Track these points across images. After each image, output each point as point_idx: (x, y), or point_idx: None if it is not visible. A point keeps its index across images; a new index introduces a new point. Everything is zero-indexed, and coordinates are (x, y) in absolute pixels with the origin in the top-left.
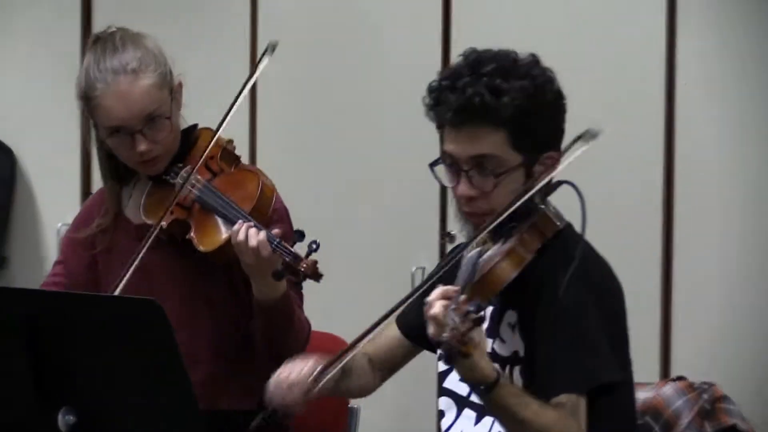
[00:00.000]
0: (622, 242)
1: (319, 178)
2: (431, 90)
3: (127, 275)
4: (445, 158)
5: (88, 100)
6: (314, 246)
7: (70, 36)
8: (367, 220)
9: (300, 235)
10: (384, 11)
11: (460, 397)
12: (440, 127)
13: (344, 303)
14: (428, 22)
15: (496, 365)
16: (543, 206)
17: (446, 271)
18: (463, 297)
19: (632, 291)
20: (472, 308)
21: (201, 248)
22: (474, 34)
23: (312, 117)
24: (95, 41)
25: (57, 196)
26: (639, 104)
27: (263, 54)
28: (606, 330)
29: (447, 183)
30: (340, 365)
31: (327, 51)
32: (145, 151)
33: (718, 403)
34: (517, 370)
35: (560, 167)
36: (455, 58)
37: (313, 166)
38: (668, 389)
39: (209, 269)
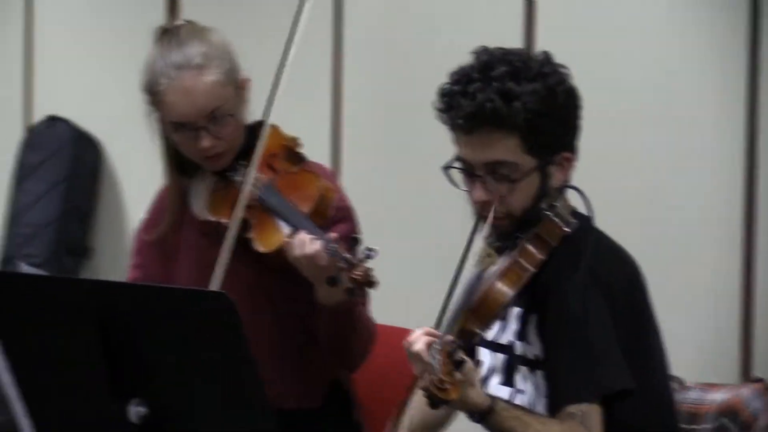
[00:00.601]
0: (702, 242)
1: (403, 181)
2: (442, 94)
3: (217, 274)
4: (459, 163)
5: (152, 94)
6: (370, 253)
7: (152, 19)
8: (447, 220)
9: (356, 242)
10: (468, 10)
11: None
12: (451, 131)
13: (424, 300)
14: (510, 24)
15: (499, 394)
16: (549, 212)
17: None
18: (447, 336)
19: (712, 291)
20: (454, 348)
21: (260, 249)
22: (557, 33)
23: (395, 118)
24: (162, 34)
25: (142, 188)
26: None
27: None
28: (618, 333)
29: (462, 187)
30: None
31: (410, 49)
32: (209, 147)
33: None
34: (539, 374)
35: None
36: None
37: (395, 167)
38: (746, 390)
39: (269, 268)
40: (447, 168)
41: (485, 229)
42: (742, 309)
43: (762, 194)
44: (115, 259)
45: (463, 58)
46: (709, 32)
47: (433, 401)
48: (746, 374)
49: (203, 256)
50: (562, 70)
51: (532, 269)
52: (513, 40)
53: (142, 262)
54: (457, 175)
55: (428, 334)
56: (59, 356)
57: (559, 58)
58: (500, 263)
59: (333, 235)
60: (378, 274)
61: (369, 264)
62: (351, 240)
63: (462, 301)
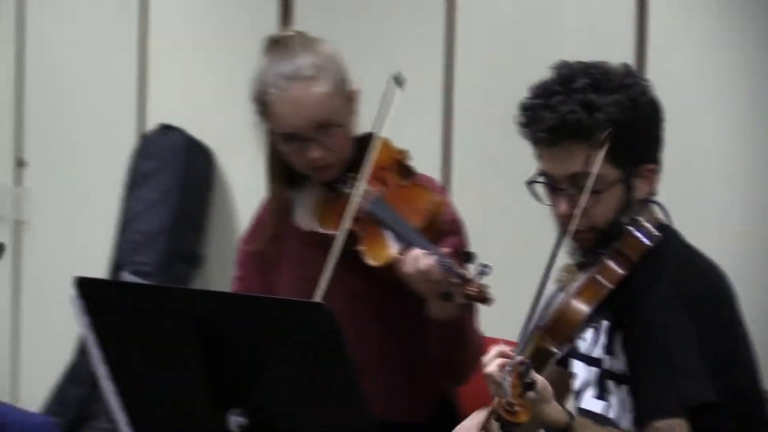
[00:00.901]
0: None
1: (513, 196)
2: (524, 108)
3: (323, 285)
4: (542, 177)
5: (261, 104)
6: (485, 269)
7: (263, 30)
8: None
9: (470, 257)
10: (581, 15)
11: (596, 415)
12: (534, 145)
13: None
14: (621, 32)
15: (593, 408)
16: (630, 227)
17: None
18: (518, 357)
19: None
20: (526, 369)
21: (370, 262)
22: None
23: (506, 132)
24: (272, 44)
25: (253, 197)
26: None
27: (388, 87)
28: (704, 347)
29: (545, 201)
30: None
31: (524, 57)
32: (318, 159)
33: None
34: (625, 389)
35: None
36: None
37: (507, 179)
38: None
39: (378, 281)
40: (531, 183)
41: (568, 243)
42: None
43: None
44: (226, 268)
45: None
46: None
47: (503, 425)
48: None
49: (308, 268)
50: (644, 81)
51: (610, 286)
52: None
53: (244, 274)
54: (541, 190)
55: (501, 354)
56: (160, 366)
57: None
58: (579, 280)
59: (446, 250)
60: (492, 287)
61: (483, 280)
62: (465, 255)
63: (538, 319)
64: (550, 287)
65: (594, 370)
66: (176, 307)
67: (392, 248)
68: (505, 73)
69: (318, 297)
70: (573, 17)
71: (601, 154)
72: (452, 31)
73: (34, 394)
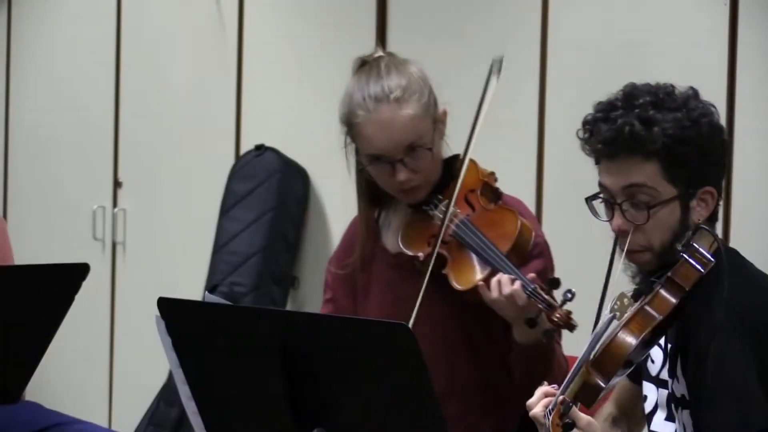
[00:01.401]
0: None
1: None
2: (585, 123)
3: (415, 309)
4: (601, 192)
5: (350, 126)
6: (569, 296)
7: (359, 50)
8: None
9: (556, 283)
10: (668, 31)
11: None
12: (595, 161)
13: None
14: (712, 48)
15: (665, 430)
16: (684, 254)
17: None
18: (560, 397)
19: None
20: (567, 409)
21: (456, 286)
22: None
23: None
24: (361, 65)
25: (348, 218)
26: None
27: (489, 74)
28: (761, 368)
29: (604, 218)
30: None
31: (615, 86)
32: (405, 181)
33: None
34: (686, 413)
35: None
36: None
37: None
38: None
39: (464, 305)
40: (590, 199)
41: (629, 266)
42: None
43: None
44: (319, 290)
45: (666, 78)
46: None
47: None
48: None
49: (395, 290)
50: (709, 106)
51: (659, 317)
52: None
53: (333, 296)
54: (600, 207)
55: (546, 394)
56: (242, 385)
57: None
58: (630, 311)
59: (532, 275)
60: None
61: (568, 306)
62: (551, 281)
63: (585, 352)
64: (605, 316)
65: (664, 392)
66: (258, 326)
67: (478, 272)
68: (596, 98)
69: (411, 321)
70: (662, 47)
71: (657, 169)
72: (545, 57)
73: (129, 414)
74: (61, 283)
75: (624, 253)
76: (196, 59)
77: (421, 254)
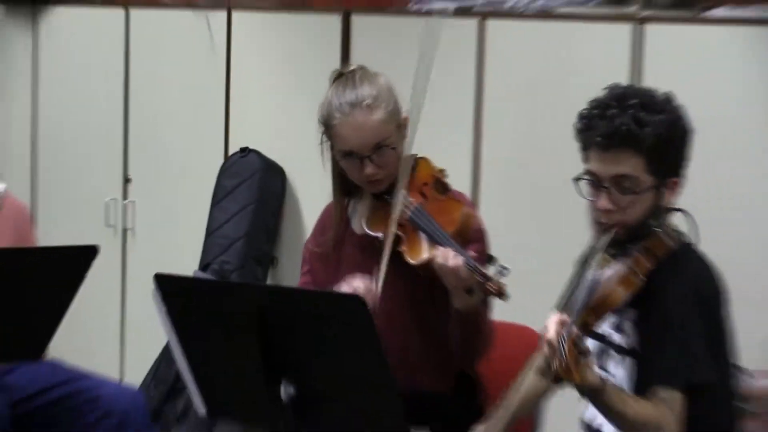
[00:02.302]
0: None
1: (533, 208)
2: (582, 117)
3: (381, 277)
4: (589, 176)
5: (327, 126)
6: (504, 270)
7: (328, 68)
8: (568, 247)
9: (491, 260)
10: (587, 55)
11: None
12: (585, 149)
13: (536, 300)
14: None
15: (603, 373)
16: (659, 229)
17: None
18: (574, 328)
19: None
20: (580, 339)
21: (410, 260)
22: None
23: (532, 149)
24: (338, 76)
25: (318, 208)
26: None
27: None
28: (707, 338)
29: (587, 197)
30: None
31: (546, 89)
32: (371, 174)
33: None
34: (631, 361)
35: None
36: None
37: (528, 197)
38: None
39: (414, 277)
40: (577, 179)
41: (604, 235)
42: None
43: None
44: (295, 268)
45: (588, 95)
46: None
47: (558, 380)
48: None
49: (361, 266)
50: (682, 108)
51: (642, 278)
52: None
53: (310, 269)
54: (584, 187)
55: (560, 322)
56: (224, 346)
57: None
58: (615, 268)
59: (472, 253)
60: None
61: (502, 279)
62: (488, 258)
63: (584, 299)
64: (591, 272)
65: (597, 343)
66: (237, 298)
67: (428, 250)
68: (530, 102)
69: (379, 289)
70: (583, 65)
71: (642, 162)
72: (482, 69)
73: (138, 371)
74: (75, 261)
75: (602, 226)
76: (192, 77)
77: (381, 234)
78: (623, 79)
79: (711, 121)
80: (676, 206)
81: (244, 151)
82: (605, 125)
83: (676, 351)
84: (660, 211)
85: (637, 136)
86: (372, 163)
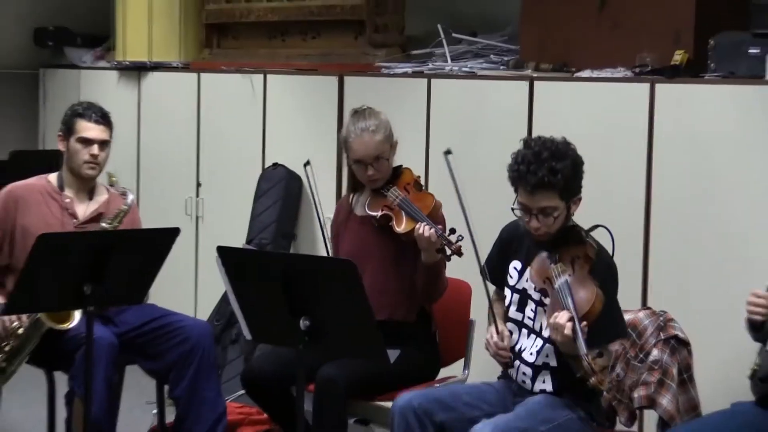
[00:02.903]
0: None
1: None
2: (512, 170)
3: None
4: (521, 206)
5: (345, 142)
6: (461, 237)
7: (329, 112)
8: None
9: (453, 231)
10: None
11: (518, 321)
12: (516, 189)
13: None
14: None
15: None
16: (588, 240)
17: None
18: (584, 323)
19: (623, 255)
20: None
21: (397, 230)
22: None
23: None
24: (355, 112)
25: (325, 203)
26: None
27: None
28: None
29: (521, 219)
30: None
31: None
32: (371, 175)
33: (668, 322)
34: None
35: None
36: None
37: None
38: (641, 314)
39: (399, 243)
40: (513, 209)
41: (533, 240)
42: (643, 260)
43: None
44: (308, 242)
45: (499, 132)
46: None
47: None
48: (644, 304)
49: (359, 238)
50: (574, 147)
51: (589, 275)
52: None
53: (333, 239)
54: (518, 212)
55: (569, 318)
56: (263, 294)
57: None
58: (571, 275)
59: (439, 226)
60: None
61: (460, 243)
62: (450, 230)
63: (570, 299)
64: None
65: (516, 295)
66: (270, 262)
67: (411, 224)
68: (466, 137)
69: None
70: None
71: (557, 195)
72: (429, 117)
73: (206, 310)
74: (165, 237)
75: (534, 236)
76: (241, 118)
77: (377, 214)
78: (522, 117)
79: (582, 150)
80: (598, 224)
81: (275, 165)
82: (531, 178)
83: (613, 317)
84: (570, 220)
85: (553, 183)
86: (373, 168)
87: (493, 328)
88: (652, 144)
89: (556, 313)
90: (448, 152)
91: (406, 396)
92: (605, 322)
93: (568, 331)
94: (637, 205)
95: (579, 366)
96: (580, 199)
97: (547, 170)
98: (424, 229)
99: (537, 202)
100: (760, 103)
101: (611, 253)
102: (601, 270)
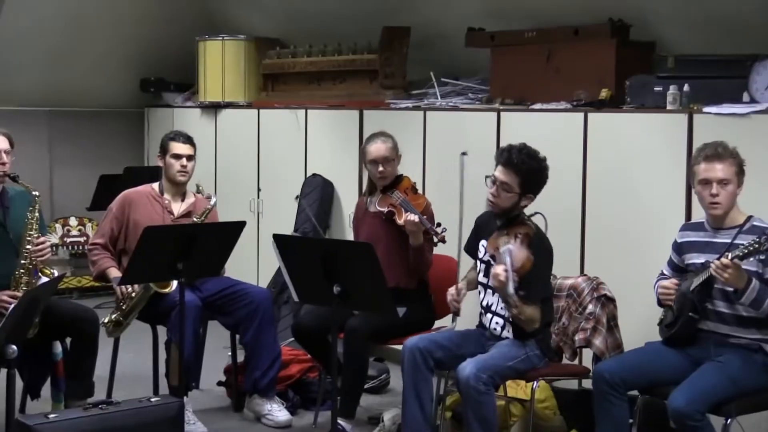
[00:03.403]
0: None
1: (444, 195)
2: (501, 153)
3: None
4: (492, 177)
5: (364, 150)
6: (445, 229)
7: (353, 136)
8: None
9: (439, 225)
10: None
11: (485, 284)
12: (496, 164)
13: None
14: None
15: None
16: (529, 222)
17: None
18: (516, 276)
19: (566, 235)
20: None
21: (399, 222)
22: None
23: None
24: (373, 134)
25: (349, 203)
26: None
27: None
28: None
29: (488, 187)
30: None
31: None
32: (381, 172)
33: (600, 285)
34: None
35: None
36: None
37: (442, 191)
38: (580, 279)
39: (401, 231)
40: (487, 177)
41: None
42: (581, 239)
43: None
44: (338, 231)
45: (475, 151)
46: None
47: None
48: (581, 272)
49: (372, 229)
50: (545, 163)
51: (528, 247)
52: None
53: (353, 230)
54: (489, 182)
55: (505, 270)
56: (306, 268)
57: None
58: (514, 244)
59: (426, 217)
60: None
61: (444, 232)
62: (437, 224)
63: (511, 262)
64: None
65: (483, 264)
66: (312, 245)
67: (408, 216)
68: (446, 160)
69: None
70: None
71: (517, 179)
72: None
73: (265, 280)
74: (235, 228)
75: (487, 203)
76: (288, 141)
77: (384, 210)
78: (492, 139)
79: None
80: (537, 211)
81: (314, 175)
82: (504, 156)
83: (543, 281)
84: (520, 208)
85: (517, 166)
86: (383, 167)
87: (455, 285)
88: (586, 156)
89: (496, 267)
90: (464, 153)
91: (412, 340)
92: (534, 282)
93: (501, 278)
94: (576, 200)
95: (510, 305)
96: (531, 199)
97: (517, 156)
98: (412, 216)
99: (501, 176)
100: (662, 126)
101: (545, 233)
102: (536, 244)
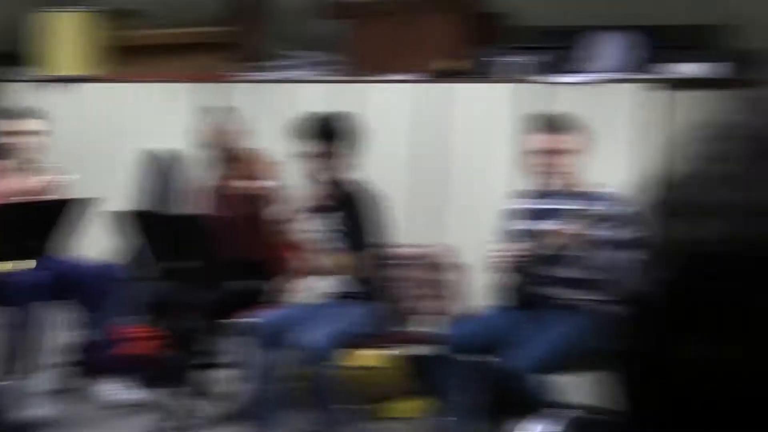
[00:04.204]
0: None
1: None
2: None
3: None
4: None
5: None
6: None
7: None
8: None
9: None
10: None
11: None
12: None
13: None
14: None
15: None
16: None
17: None
18: None
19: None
20: None
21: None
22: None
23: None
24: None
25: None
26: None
27: None
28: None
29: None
30: None
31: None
32: None
33: (442, 252)
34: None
35: None
36: None
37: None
38: (423, 247)
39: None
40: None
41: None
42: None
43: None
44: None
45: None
46: None
47: None
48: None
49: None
50: (353, 125)
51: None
52: None
53: None
54: None
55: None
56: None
57: None
58: None
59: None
60: None
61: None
62: None
63: None
64: None
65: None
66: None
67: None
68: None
69: None
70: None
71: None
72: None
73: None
74: (76, 206)
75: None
76: (122, 114)
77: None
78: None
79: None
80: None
81: (151, 152)
82: (316, 128)
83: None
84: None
85: (330, 131)
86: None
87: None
88: (415, 126)
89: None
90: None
91: (263, 315)
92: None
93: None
94: (421, 170)
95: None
96: (345, 158)
97: (326, 118)
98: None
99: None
100: (506, 95)
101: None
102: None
